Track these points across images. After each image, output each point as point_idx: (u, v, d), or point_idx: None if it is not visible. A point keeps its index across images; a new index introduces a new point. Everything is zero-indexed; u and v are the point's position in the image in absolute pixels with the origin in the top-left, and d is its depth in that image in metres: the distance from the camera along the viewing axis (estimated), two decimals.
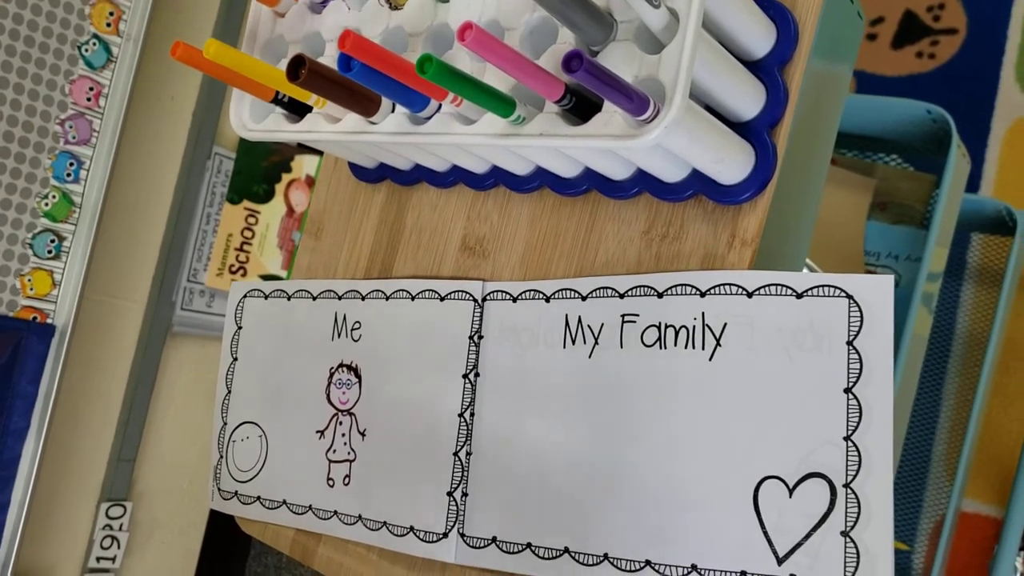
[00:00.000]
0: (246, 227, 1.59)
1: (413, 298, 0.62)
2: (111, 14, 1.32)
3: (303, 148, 1.65)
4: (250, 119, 0.57)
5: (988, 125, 1.40)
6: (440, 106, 0.50)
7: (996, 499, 1.33)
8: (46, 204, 1.29)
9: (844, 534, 0.45)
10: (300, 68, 0.46)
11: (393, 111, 0.52)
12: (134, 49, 1.33)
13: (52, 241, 1.30)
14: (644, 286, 0.53)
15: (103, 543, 1.43)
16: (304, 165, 1.66)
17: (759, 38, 0.49)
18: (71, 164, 1.31)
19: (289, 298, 0.69)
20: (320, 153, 1.58)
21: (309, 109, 0.55)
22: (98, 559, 1.43)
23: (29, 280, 1.29)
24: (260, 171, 1.60)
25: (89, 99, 1.32)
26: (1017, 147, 1.38)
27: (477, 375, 0.58)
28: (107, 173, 1.33)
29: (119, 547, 1.45)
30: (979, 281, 1.34)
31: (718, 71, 0.45)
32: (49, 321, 1.31)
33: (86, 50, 1.30)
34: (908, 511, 1.31)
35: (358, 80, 0.45)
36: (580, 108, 0.45)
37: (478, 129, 0.47)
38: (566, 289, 0.56)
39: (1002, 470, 1.32)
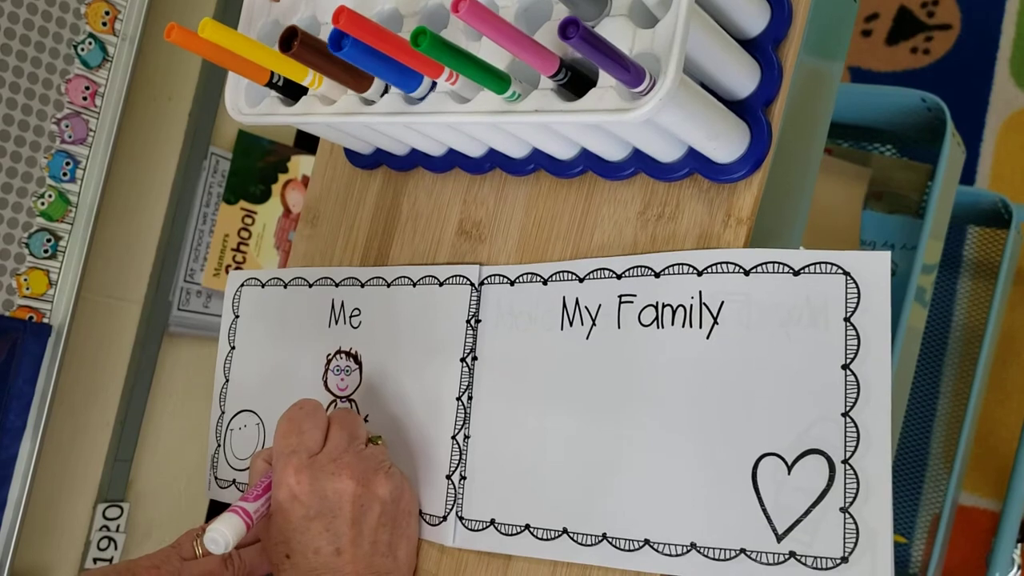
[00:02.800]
0: (243, 227, 1.59)
1: (415, 284, 0.62)
2: (107, 13, 1.32)
3: (300, 148, 1.65)
4: (245, 104, 0.57)
5: (983, 120, 1.41)
6: (435, 85, 0.50)
7: (993, 492, 1.33)
8: (42, 203, 1.29)
9: (843, 510, 0.45)
10: (292, 40, 0.46)
11: (388, 91, 0.52)
12: (130, 48, 1.33)
13: (48, 240, 1.30)
14: (641, 266, 0.53)
15: (100, 544, 1.42)
16: (301, 165, 1.65)
17: (753, 16, 0.49)
18: (67, 163, 1.31)
19: (285, 286, 0.69)
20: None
21: (304, 92, 0.55)
22: (95, 560, 1.42)
23: (25, 280, 1.28)
24: (257, 171, 1.60)
25: (85, 98, 1.32)
26: (1012, 141, 1.39)
27: (475, 359, 0.58)
28: (103, 173, 1.32)
29: (116, 548, 1.44)
30: (975, 274, 1.34)
31: (712, 47, 0.45)
32: (45, 321, 1.30)
33: (82, 49, 1.30)
34: (906, 505, 1.31)
35: (349, 59, 0.45)
36: (575, 84, 0.45)
37: (473, 107, 0.47)
38: (563, 271, 0.56)
39: (999, 463, 1.32)
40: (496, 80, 0.44)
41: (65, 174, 1.31)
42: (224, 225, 1.56)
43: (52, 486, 1.36)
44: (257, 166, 1.60)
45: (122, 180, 1.39)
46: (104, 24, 1.32)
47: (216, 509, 0.63)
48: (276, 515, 0.53)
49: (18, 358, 1.27)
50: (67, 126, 1.30)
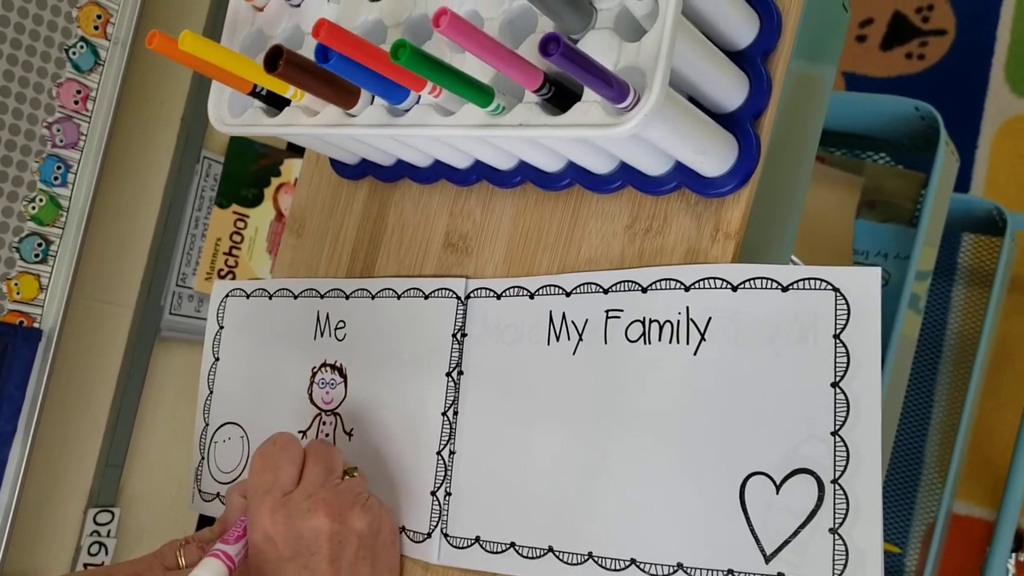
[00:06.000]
0: (235, 231, 1.58)
1: (399, 297, 0.61)
2: (99, 17, 1.31)
3: (292, 152, 1.64)
4: (228, 113, 0.56)
5: (978, 126, 1.40)
6: (419, 98, 0.49)
7: (988, 501, 1.33)
8: (33, 208, 1.28)
9: (832, 531, 0.45)
10: (278, 59, 0.45)
11: (372, 103, 0.51)
12: (122, 52, 1.33)
13: (39, 245, 1.29)
14: (628, 281, 0.52)
15: (91, 549, 1.42)
16: (293, 169, 1.65)
17: (742, 28, 0.48)
18: (58, 168, 1.30)
19: (270, 297, 0.68)
20: None
21: (288, 102, 0.54)
22: (85, 566, 1.41)
23: (16, 284, 1.27)
24: (249, 175, 1.59)
25: (77, 102, 1.31)
26: (1007, 147, 1.38)
27: (461, 373, 0.58)
28: (95, 177, 1.32)
29: (107, 553, 1.43)
30: (970, 282, 1.34)
31: (700, 60, 0.45)
32: (36, 325, 1.30)
33: (73, 53, 1.29)
34: (900, 513, 1.31)
35: (335, 71, 0.44)
36: (560, 99, 0.44)
37: (457, 120, 0.46)
38: (550, 285, 0.55)
39: (994, 472, 1.32)
40: (479, 93, 0.43)
41: (56, 178, 1.30)
42: (216, 229, 1.55)
43: (43, 491, 1.35)
44: (249, 170, 1.59)
45: (114, 184, 1.38)
46: (96, 28, 1.31)
47: (206, 523, 0.63)
48: (253, 557, 0.52)
49: (8, 363, 1.26)
50: (58, 130, 1.29)
